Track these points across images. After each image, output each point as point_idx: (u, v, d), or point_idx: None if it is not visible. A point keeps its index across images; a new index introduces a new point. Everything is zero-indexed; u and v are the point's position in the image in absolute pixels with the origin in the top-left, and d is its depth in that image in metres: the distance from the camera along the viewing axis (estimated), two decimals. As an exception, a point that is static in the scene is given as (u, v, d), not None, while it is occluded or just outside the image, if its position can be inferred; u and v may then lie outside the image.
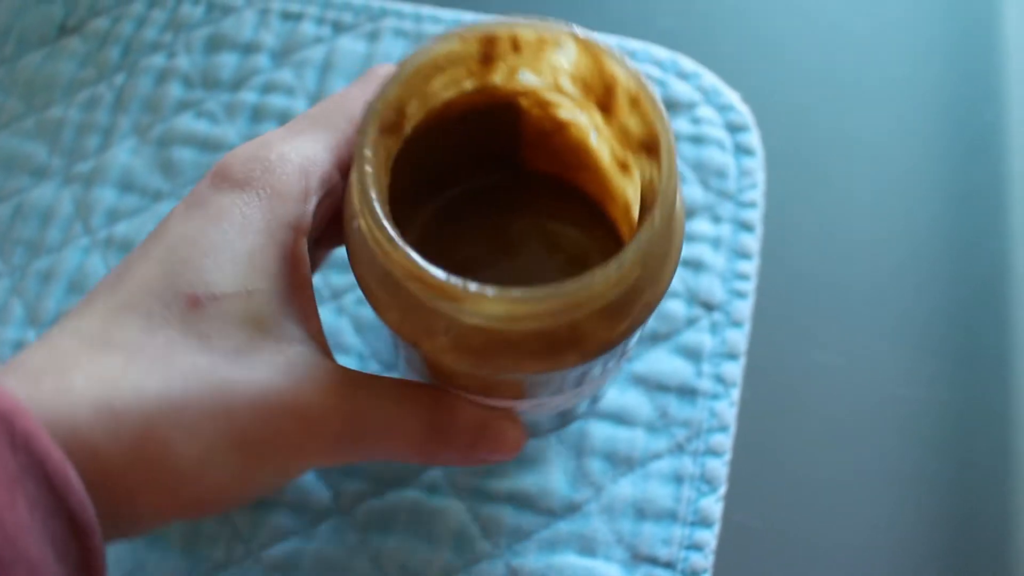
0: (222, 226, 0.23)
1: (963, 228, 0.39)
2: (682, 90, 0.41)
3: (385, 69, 0.27)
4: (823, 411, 0.36)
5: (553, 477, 0.35)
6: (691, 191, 0.39)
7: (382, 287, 0.24)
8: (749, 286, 0.37)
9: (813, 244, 0.39)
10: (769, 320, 0.38)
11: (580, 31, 0.24)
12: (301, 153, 0.24)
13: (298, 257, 0.24)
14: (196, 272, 0.22)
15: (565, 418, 0.33)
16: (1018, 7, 0.43)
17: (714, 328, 0.37)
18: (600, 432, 0.35)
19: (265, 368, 0.22)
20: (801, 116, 0.42)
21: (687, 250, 0.38)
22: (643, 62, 0.42)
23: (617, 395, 0.36)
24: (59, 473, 0.19)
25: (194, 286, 0.22)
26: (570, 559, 0.33)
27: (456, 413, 0.25)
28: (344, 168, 0.25)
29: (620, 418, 0.35)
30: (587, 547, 0.34)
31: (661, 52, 0.42)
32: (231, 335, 0.22)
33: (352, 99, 0.26)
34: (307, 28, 0.43)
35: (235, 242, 0.23)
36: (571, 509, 0.34)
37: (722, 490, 0.34)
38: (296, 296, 0.24)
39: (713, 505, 0.34)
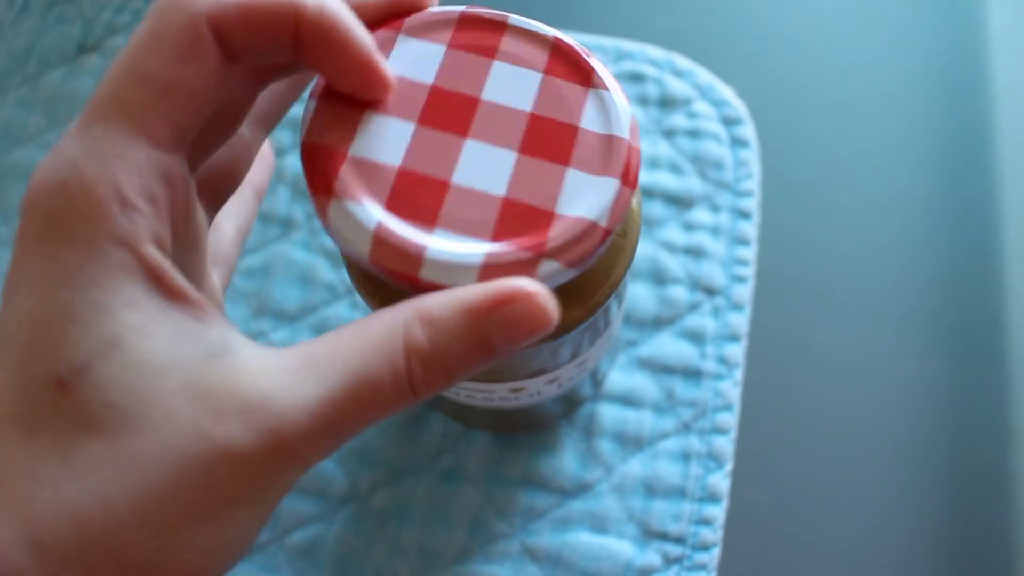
0: (45, 289, 0.19)
1: (955, 208, 0.40)
2: (678, 87, 0.42)
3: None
4: (824, 388, 0.37)
5: (564, 458, 0.36)
6: (690, 182, 0.40)
7: (361, 277, 0.25)
8: (748, 271, 0.39)
9: (809, 229, 0.40)
10: (769, 303, 0.39)
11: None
12: (111, 161, 0.19)
13: (148, 266, 0.19)
14: (46, 353, 0.19)
15: (572, 404, 0.34)
16: (1006, 1, 0.45)
17: (716, 312, 0.38)
18: (608, 414, 0.36)
19: (169, 423, 0.19)
20: (793, 108, 0.43)
21: (688, 238, 0.39)
22: (639, 61, 0.43)
23: (624, 378, 0.37)
24: None
25: (51, 368, 0.18)
26: (583, 536, 0.35)
27: (442, 347, 0.20)
28: (176, 143, 0.20)
29: (628, 400, 0.37)
30: (599, 524, 0.35)
31: (656, 52, 0.43)
32: (115, 402, 0.18)
33: (140, 49, 0.20)
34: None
35: (71, 302, 0.19)
36: (583, 488, 0.35)
37: (729, 466, 0.36)
38: (177, 302, 0.20)
39: (720, 481, 0.35)
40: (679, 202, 0.40)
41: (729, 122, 0.42)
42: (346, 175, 0.22)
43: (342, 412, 0.19)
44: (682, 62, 0.43)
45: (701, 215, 0.40)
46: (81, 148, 0.19)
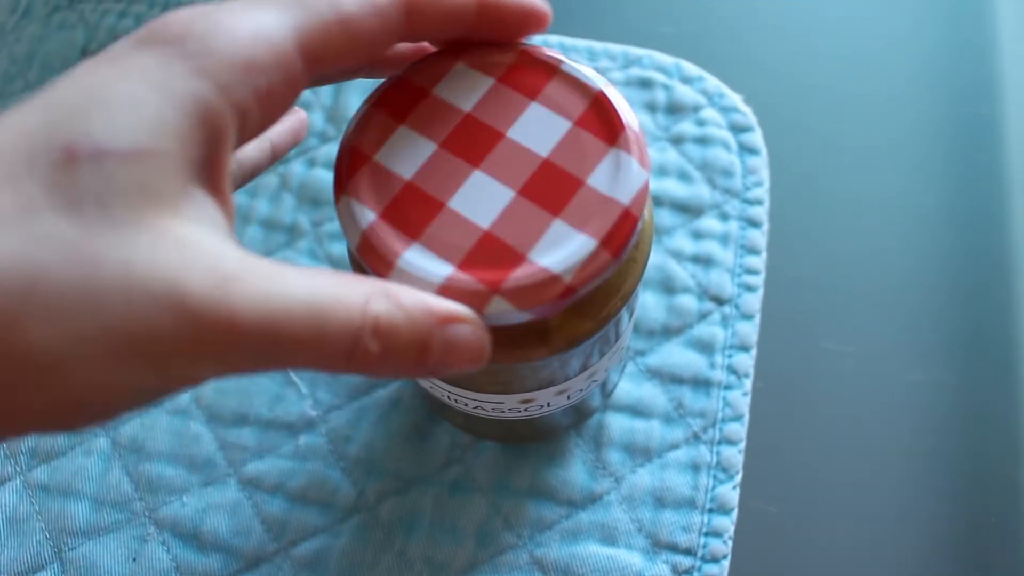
0: (130, 77, 0.19)
1: (965, 216, 0.40)
2: (687, 93, 0.42)
3: None
4: (834, 398, 0.37)
5: (573, 469, 0.36)
6: (698, 190, 0.40)
7: (356, 270, 0.26)
8: (758, 280, 0.38)
9: (818, 237, 0.40)
10: (778, 312, 0.39)
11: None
12: (252, 23, 0.20)
13: (218, 126, 0.20)
14: (81, 122, 0.18)
15: (581, 415, 0.34)
16: (1014, 7, 0.45)
17: (725, 321, 0.38)
18: (617, 424, 0.36)
19: (147, 247, 0.18)
20: (802, 115, 0.43)
21: (697, 247, 0.39)
22: (648, 68, 0.43)
23: (633, 388, 0.37)
24: None
25: (74, 137, 0.18)
26: (592, 548, 0.34)
27: (395, 324, 0.21)
28: (312, 57, 0.21)
29: (637, 410, 0.36)
30: (608, 536, 0.35)
31: (665, 58, 0.43)
32: (110, 202, 0.18)
33: None
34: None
35: (141, 95, 0.18)
36: (592, 499, 0.35)
37: (738, 477, 0.35)
38: (207, 168, 0.20)
39: (730, 492, 0.35)
40: (688, 210, 0.40)
41: (738, 129, 0.41)
42: (362, 176, 0.24)
43: (290, 329, 0.19)
44: (690, 68, 0.43)
45: (710, 223, 0.39)
46: (224, 11, 0.20)
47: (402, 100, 0.25)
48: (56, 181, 0.18)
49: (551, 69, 0.25)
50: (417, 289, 0.22)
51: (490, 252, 0.23)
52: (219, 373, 0.19)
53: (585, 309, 0.25)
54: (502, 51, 0.26)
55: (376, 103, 0.25)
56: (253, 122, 0.21)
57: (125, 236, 0.18)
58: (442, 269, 0.23)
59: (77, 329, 0.17)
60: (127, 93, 0.18)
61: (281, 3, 0.21)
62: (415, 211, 0.24)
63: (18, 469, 0.37)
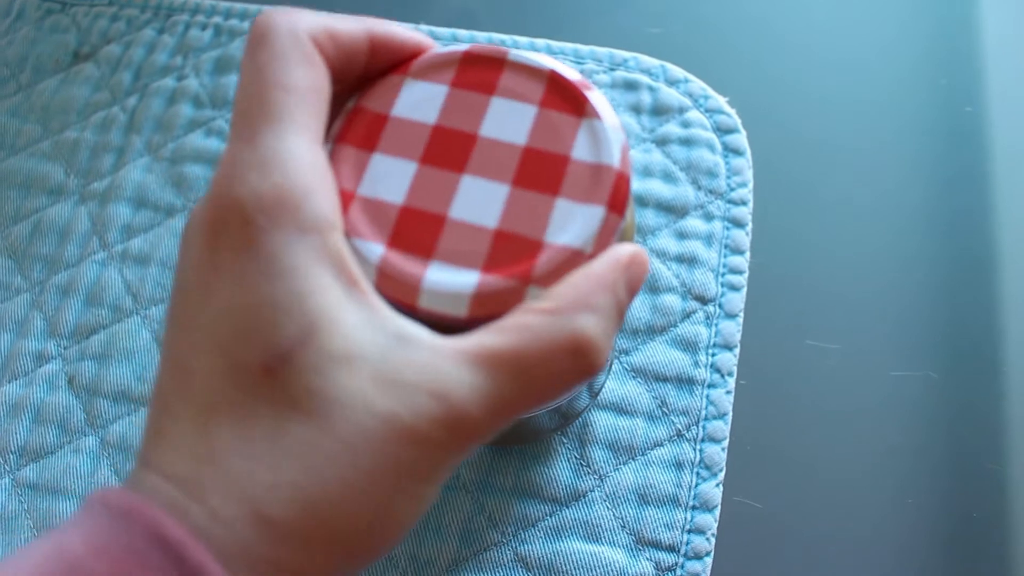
0: (249, 282, 0.21)
1: (949, 216, 0.40)
2: (672, 95, 0.43)
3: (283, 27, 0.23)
4: (817, 395, 0.37)
5: (557, 467, 0.36)
6: (683, 190, 0.40)
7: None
8: (742, 279, 0.39)
9: (802, 237, 0.40)
10: (762, 310, 0.39)
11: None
12: (290, 160, 0.22)
13: (339, 251, 0.21)
14: (254, 341, 0.20)
15: (567, 418, 0.34)
16: (998, 7, 0.45)
17: (709, 320, 0.38)
18: (602, 422, 0.36)
19: (363, 409, 0.20)
20: (786, 117, 0.43)
21: (681, 247, 0.39)
22: (633, 71, 0.43)
23: (617, 386, 0.37)
24: None
25: (260, 355, 0.20)
26: (576, 545, 0.35)
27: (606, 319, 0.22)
28: (320, 138, 0.23)
29: (621, 408, 0.37)
30: (592, 533, 0.35)
31: (651, 61, 0.44)
32: (318, 388, 0.20)
33: (273, 70, 0.22)
34: (311, 48, 0.45)
35: (275, 289, 0.20)
36: (575, 497, 0.35)
37: (721, 475, 0.36)
38: (357, 293, 0.21)
39: (713, 489, 0.35)
40: (672, 210, 0.40)
41: (722, 130, 0.42)
42: (354, 214, 0.24)
43: (511, 404, 0.21)
44: (676, 71, 0.43)
45: (694, 223, 0.40)
46: (258, 155, 0.21)
47: (363, 130, 0.25)
48: (273, 397, 0.20)
49: (498, 62, 0.25)
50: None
51: (508, 248, 0.23)
52: (469, 455, 0.22)
53: None
54: (445, 57, 0.26)
55: (339, 139, 0.25)
56: (342, 219, 0.23)
57: (345, 405, 0.20)
58: (469, 278, 0.23)
59: (370, 494, 0.20)
60: (262, 294, 0.20)
61: (270, 122, 0.22)
62: (420, 231, 0.23)
63: (7, 468, 0.37)
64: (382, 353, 0.21)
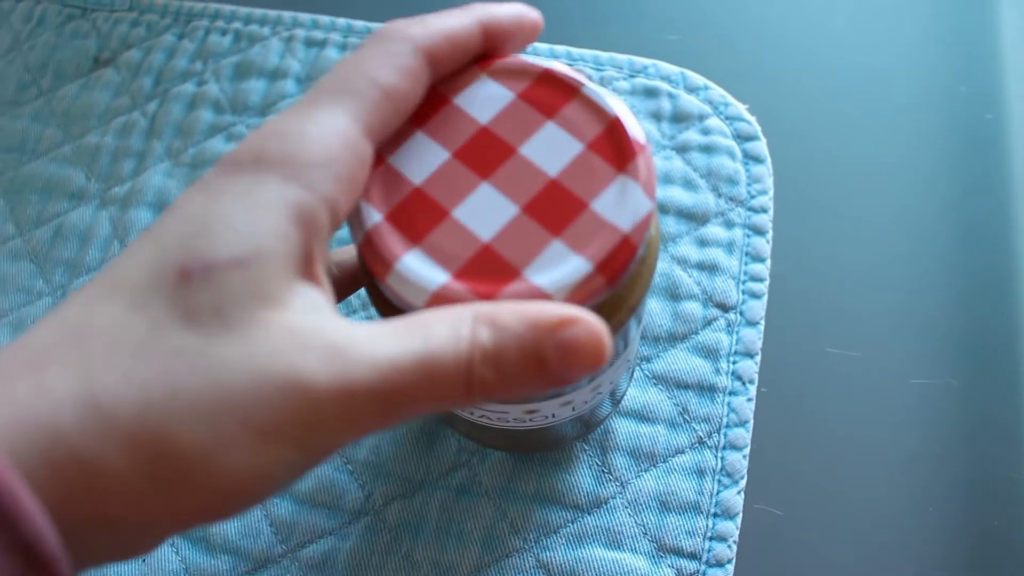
0: (224, 199, 0.21)
1: (969, 223, 0.40)
2: (692, 102, 0.43)
3: (396, 27, 0.25)
4: (838, 402, 0.37)
5: (578, 473, 0.36)
6: (704, 198, 0.40)
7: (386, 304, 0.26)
8: (763, 287, 0.39)
9: (823, 244, 0.40)
10: (783, 318, 0.39)
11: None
12: (321, 123, 0.22)
13: (313, 222, 0.22)
14: (188, 245, 0.20)
15: (589, 425, 0.34)
16: (1018, 14, 0.45)
17: (730, 327, 0.38)
18: (623, 429, 0.36)
19: (263, 341, 0.20)
20: (806, 124, 0.43)
21: (702, 254, 0.39)
22: (653, 77, 0.43)
23: (638, 393, 0.37)
24: (8, 500, 0.17)
25: (184, 259, 0.20)
26: (598, 552, 0.35)
27: (503, 347, 0.21)
28: (373, 135, 0.23)
29: (642, 415, 0.37)
30: (614, 540, 0.35)
31: (671, 68, 0.44)
32: (225, 308, 0.20)
33: (368, 60, 0.23)
34: (331, 54, 0.45)
35: (238, 211, 0.21)
36: (597, 504, 0.35)
37: (743, 482, 0.36)
38: (306, 262, 0.22)
39: (734, 497, 0.35)
40: (693, 217, 0.40)
41: (743, 138, 0.42)
42: (374, 178, 0.24)
43: (404, 381, 0.20)
44: (696, 78, 0.43)
45: (715, 231, 0.40)
46: (304, 117, 0.22)
47: (423, 105, 0.26)
48: (176, 300, 0.20)
49: (571, 90, 0.25)
50: (523, 302, 0.22)
51: (486, 265, 0.23)
52: (353, 437, 0.21)
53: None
54: (526, 67, 0.26)
55: None
56: (341, 208, 0.23)
57: (243, 336, 0.20)
58: (438, 276, 0.23)
59: (217, 426, 0.19)
60: (225, 212, 0.21)
61: (333, 97, 0.23)
62: (420, 216, 0.24)
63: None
64: (297, 312, 0.21)
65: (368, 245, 0.24)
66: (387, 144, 0.25)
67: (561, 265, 0.23)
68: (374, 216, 0.24)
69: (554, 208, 0.24)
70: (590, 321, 0.21)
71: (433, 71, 0.25)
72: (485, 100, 0.26)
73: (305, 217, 0.21)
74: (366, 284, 0.26)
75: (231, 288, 0.20)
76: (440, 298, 0.23)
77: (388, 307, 0.26)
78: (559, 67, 0.26)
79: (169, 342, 0.19)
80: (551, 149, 0.25)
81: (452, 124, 0.25)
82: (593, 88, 0.25)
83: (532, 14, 0.27)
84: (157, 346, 0.19)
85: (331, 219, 0.22)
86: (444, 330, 0.21)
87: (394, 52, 0.23)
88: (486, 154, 0.25)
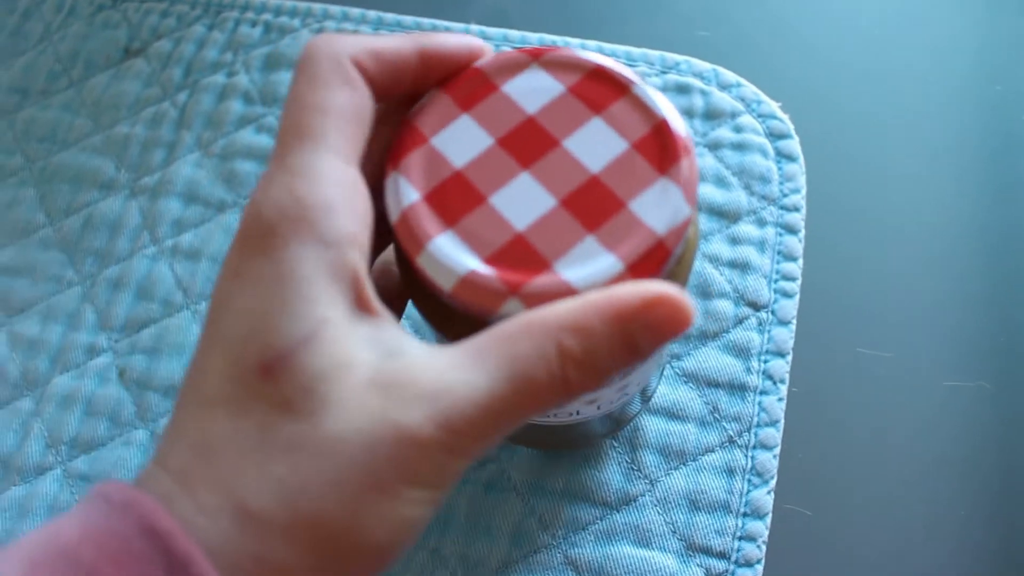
0: (266, 287, 0.22)
1: (1002, 223, 0.40)
2: (724, 100, 0.42)
3: (322, 46, 0.24)
4: (869, 403, 0.37)
5: (608, 470, 0.36)
6: (736, 196, 0.40)
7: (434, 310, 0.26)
8: (795, 286, 0.39)
9: (855, 243, 0.40)
10: (815, 317, 0.39)
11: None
12: (308, 174, 0.23)
13: (350, 271, 0.22)
14: (257, 342, 0.21)
15: (619, 423, 0.34)
16: (1050, 17, 0.45)
17: (761, 326, 0.38)
18: (653, 427, 0.36)
19: (363, 408, 0.21)
20: (839, 122, 0.43)
21: (734, 252, 0.39)
22: (685, 74, 0.43)
23: (668, 391, 0.37)
24: None
25: (259, 357, 0.21)
26: (626, 549, 0.34)
27: (593, 350, 0.21)
28: (355, 158, 0.24)
29: (672, 413, 0.36)
30: (642, 538, 0.35)
31: (703, 64, 0.43)
32: (313, 388, 0.21)
33: (308, 94, 0.23)
34: (361, 46, 0.45)
35: (286, 295, 0.22)
36: (626, 501, 0.35)
37: (773, 482, 0.35)
38: (363, 306, 0.23)
39: (764, 496, 0.35)
40: (725, 215, 0.40)
41: (775, 135, 0.42)
42: (415, 157, 0.25)
43: (505, 404, 0.21)
44: (728, 75, 0.43)
45: (747, 229, 0.40)
46: (286, 171, 0.22)
47: (471, 89, 0.26)
48: (269, 396, 0.21)
49: (622, 88, 0.25)
50: (602, 290, 0.22)
51: (518, 254, 0.23)
52: (470, 462, 0.22)
53: None
54: (579, 61, 0.26)
55: (446, 87, 0.26)
56: (366, 240, 0.23)
57: (340, 408, 0.21)
58: (469, 261, 0.23)
59: (354, 497, 0.20)
60: (275, 299, 0.22)
61: (301, 143, 0.23)
62: (457, 200, 0.24)
63: (59, 459, 0.37)
64: (379, 362, 0.22)
65: (403, 224, 0.24)
66: (432, 125, 0.25)
67: (592, 262, 0.23)
68: (412, 195, 0.24)
69: (592, 204, 0.24)
70: (671, 295, 0.21)
71: (375, 94, 0.25)
72: (534, 90, 0.25)
73: (344, 271, 0.22)
74: (398, 262, 0.26)
75: (310, 367, 0.21)
76: (468, 283, 0.23)
77: (418, 286, 0.26)
78: (611, 63, 0.26)
79: (281, 437, 0.21)
80: (595, 145, 0.25)
81: (499, 111, 0.25)
82: (644, 87, 0.25)
83: (478, 45, 0.27)
84: (273, 444, 0.21)
85: (363, 254, 0.23)
86: (529, 349, 0.21)
87: (326, 73, 0.23)
88: (530, 144, 0.25)
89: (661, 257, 0.23)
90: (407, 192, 0.24)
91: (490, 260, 0.23)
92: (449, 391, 0.21)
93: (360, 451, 0.20)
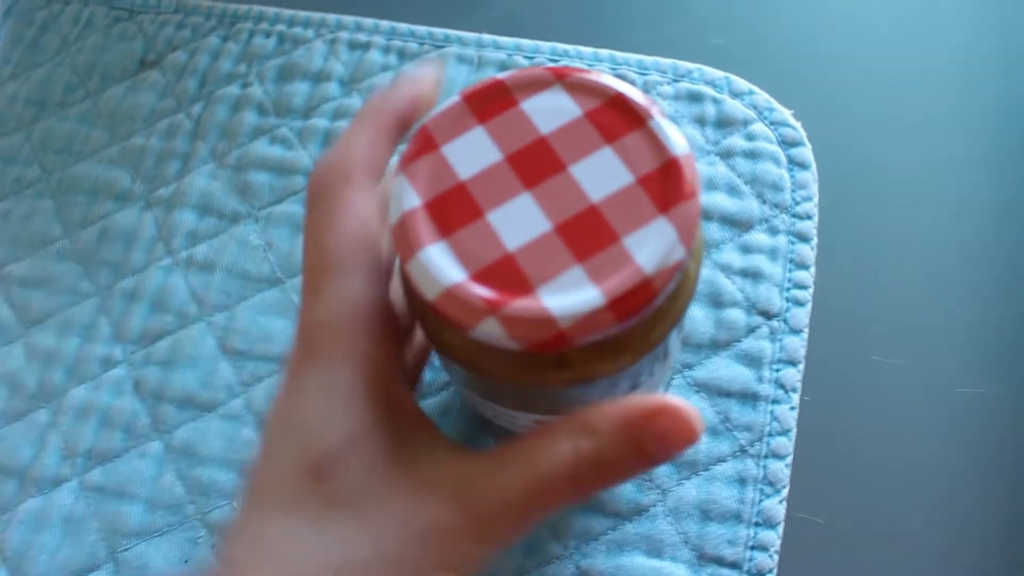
0: (311, 399, 0.25)
1: (1017, 232, 0.40)
2: (736, 107, 0.42)
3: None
4: (882, 411, 0.37)
5: (619, 480, 0.36)
6: (748, 204, 0.40)
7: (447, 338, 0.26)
8: (807, 294, 0.38)
9: (867, 252, 0.40)
10: (827, 324, 0.39)
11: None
12: (339, 306, 0.25)
13: (383, 372, 0.25)
14: (308, 447, 0.24)
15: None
16: (1066, 21, 0.44)
17: (773, 335, 0.38)
18: (664, 437, 0.36)
19: (407, 504, 0.24)
20: (851, 130, 0.43)
21: (746, 261, 0.39)
22: (697, 82, 0.43)
23: (680, 401, 0.37)
24: None
25: (311, 461, 0.24)
26: (638, 560, 0.34)
27: (602, 453, 0.24)
28: (383, 287, 0.26)
29: (684, 423, 0.36)
30: (654, 548, 0.35)
31: (715, 72, 0.43)
32: (358, 487, 0.24)
33: (328, 238, 0.26)
34: (374, 56, 0.45)
35: (330, 406, 0.24)
36: (638, 511, 0.35)
37: (785, 491, 0.35)
38: (400, 414, 0.25)
39: (776, 506, 0.35)
40: (737, 224, 0.40)
41: (787, 143, 0.41)
42: (424, 163, 0.25)
43: (525, 503, 0.23)
44: (740, 83, 0.43)
45: (759, 237, 0.39)
46: (323, 299, 0.25)
47: (490, 102, 0.26)
48: (323, 495, 0.23)
49: (639, 120, 0.25)
50: (612, 401, 0.24)
51: (504, 273, 0.23)
52: (495, 550, 0.24)
53: (634, 334, 0.25)
54: (602, 87, 0.26)
55: (467, 97, 0.26)
56: (390, 344, 0.26)
57: (386, 502, 0.24)
58: (454, 274, 0.23)
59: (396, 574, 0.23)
60: (319, 410, 0.24)
61: (345, 270, 0.26)
62: (456, 211, 0.24)
63: (75, 470, 0.38)
64: (413, 460, 0.24)
65: (400, 228, 0.24)
66: (445, 132, 0.25)
67: (574, 292, 0.23)
68: (413, 200, 0.24)
69: (586, 233, 0.24)
70: (672, 407, 0.23)
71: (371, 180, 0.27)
72: (552, 111, 0.25)
73: (379, 382, 0.25)
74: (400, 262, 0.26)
75: (356, 467, 0.24)
76: (450, 296, 0.23)
77: (411, 289, 0.26)
78: (633, 93, 0.25)
79: (334, 534, 0.23)
80: (602, 174, 0.24)
81: (513, 127, 0.25)
82: (661, 122, 0.25)
83: (423, 92, 0.29)
84: (329, 542, 0.23)
85: (394, 362, 0.26)
86: (547, 452, 0.23)
87: (339, 207, 0.26)
88: (536, 164, 0.25)
89: (646, 297, 0.23)
90: (409, 197, 0.24)
91: (476, 276, 0.23)
92: (478, 494, 0.23)
93: (400, 539, 0.23)
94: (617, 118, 0.25)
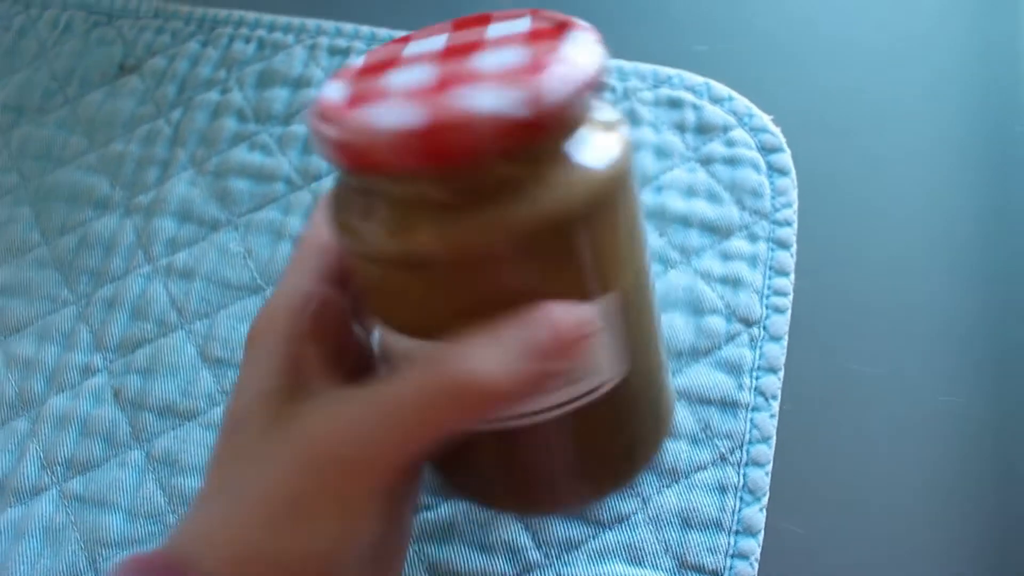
0: (240, 377, 0.28)
1: (997, 239, 0.40)
2: (716, 113, 0.42)
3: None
4: (862, 419, 0.37)
5: (600, 488, 0.36)
6: (728, 211, 0.40)
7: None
8: (787, 301, 0.39)
9: (847, 259, 0.40)
10: (807, 333, 0.39)
11: None
12: (281, 297, 0.28)
13: (294, 358, 0.27)
14: (230, 408, 0.27)
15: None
16: (1043, 27, 0.45)
17: (753, 343, 0.38)
18: (645, 444, 0.36)
19: (289, 448, 0.25)
20: (832, 136, 0.43)
21: (726, 268, 0.39)
22: (677, 88, 0.43)
23: (660, 408, 0.37)
24: None
25: (229, 418, 0.27)
26: (619, 568, 0.34)
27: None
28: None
29: (664, 431, 0.37)
30: (635, 556, 0.35)
31: (695, 78, 0.43)
32: (258, 437, 0.26)
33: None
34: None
35: (247, 375, 0.27)
36: (619, 519, 0.35)
37: (765, 499, 0.35)
38: (310, 379, 0.27)
39: (757, 514, 0.35)
40: (717, 231, 0.40)
41: (767, 149, 0.42)
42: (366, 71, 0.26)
43: (404, 432, 0.24)
44: (720, 88, 0.43)
45: (739, 244, 0.40)
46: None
47: (472, 21, 0.27)
48: (232, 449, 0.27)
49: (564, 28, 0.26)
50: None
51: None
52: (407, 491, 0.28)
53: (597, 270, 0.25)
54: (559, 16, 0.26)
55: (455, 21, 0.27)
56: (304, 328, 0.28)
57: (276, 449, 0.25)
58: (409, 115, 0.22)
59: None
60: (243, 379, 0.28)
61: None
62: (369, 92, 0.24)
63: (55, 479, 0.38)
64: (307, 413, 0.26)
65: (318, 109, 0.24)
66: (415, 42, 0.26)
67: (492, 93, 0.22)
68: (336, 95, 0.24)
69: (459, 83, 0.23)
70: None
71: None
72: (507, 28, 0.26)
73: (288, 352, 0.27)
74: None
75: (256, 424, 0.26)
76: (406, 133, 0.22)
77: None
78: (579, 21, 0.26)
79: (234, 480, 0.26)
80: (501, 59, 0.24)
81: (467, 35, 0.26)
82: (578, 34, 0.25)
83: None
84: (227, 488, 0.26)
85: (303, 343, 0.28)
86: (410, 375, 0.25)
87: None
88: (459, 53, 0.25)
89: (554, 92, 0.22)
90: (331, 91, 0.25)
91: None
92: (349, 417, 0.25)
93: (282, 477, 0.24)
94: (552, 31, 0.25)
